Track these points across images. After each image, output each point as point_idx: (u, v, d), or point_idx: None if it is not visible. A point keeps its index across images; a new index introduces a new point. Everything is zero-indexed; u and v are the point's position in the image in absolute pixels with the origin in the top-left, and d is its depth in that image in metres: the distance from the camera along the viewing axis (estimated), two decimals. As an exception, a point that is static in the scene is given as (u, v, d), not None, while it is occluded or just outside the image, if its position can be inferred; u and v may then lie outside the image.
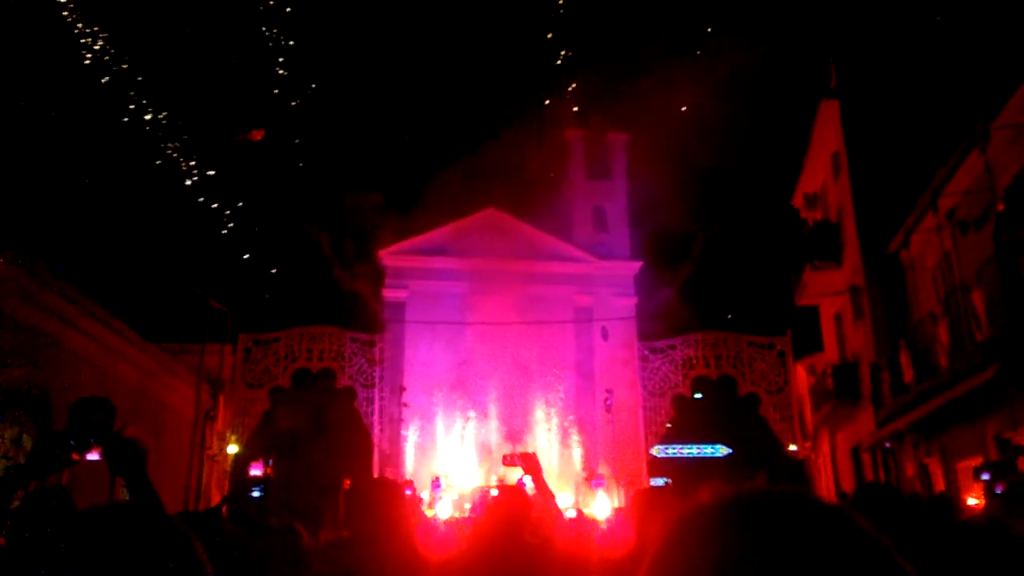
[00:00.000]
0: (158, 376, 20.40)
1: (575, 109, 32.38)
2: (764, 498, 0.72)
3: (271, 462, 17.63)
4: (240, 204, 22.84)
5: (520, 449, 26.34)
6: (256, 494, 10.19)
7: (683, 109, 24.93)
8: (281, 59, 17.41)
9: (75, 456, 2.49)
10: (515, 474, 15.67)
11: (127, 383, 17.95)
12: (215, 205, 20.46)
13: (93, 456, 2.50)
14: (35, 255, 13.36)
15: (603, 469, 26.57)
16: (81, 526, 1.03)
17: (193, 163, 18.79)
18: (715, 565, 0.67)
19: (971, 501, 11.34)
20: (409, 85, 49.56)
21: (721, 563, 0.67)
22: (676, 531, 0.74)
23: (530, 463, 4.14)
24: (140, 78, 16.67)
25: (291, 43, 18.01)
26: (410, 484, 19.33)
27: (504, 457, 4.45)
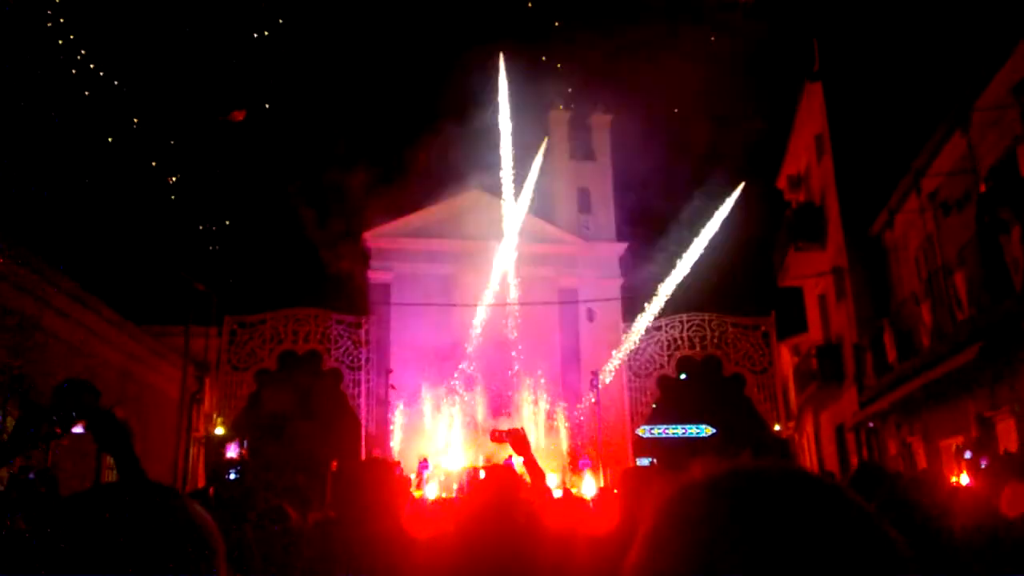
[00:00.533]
0: (143, 359, 20.31)
1: (559, 90, 32.22)
2: (759, 472, 0.74)
3: (246, 443, 17.62)
4: (224, 185, 22.67)
5: (508, 426, 26.46)
6: (232, 476, 10.18)
7: (668, 93, 24.85)
8: (265, 34, 17.22)
9: (58, 430, 2.50)
10: (503, 452, 15.75)
11: (112, 366, 17.87)
12: (198, 186, 20.24)
13: (78, 430, 2.50)
14: (15, 238, 13.23)
15: (589, 449, 26.73)
16: (71, 509, 1.02)
17: (173, 142, 18.56)
18: (710, 539, 0.69)
19: (954, 479, 11.51)
20: (392, 64, 49.19)
21: (716, 537, 0.69)
22: (670, 506, 0.75)
23: (518, 439, 4.15)
24: (117, 53, 16.43)
25: (278, 20, 17.77)
26: (397, 465, 19.37)
27: (492, 432, 4.46)
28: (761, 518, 0.68)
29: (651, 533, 0.74)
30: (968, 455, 9.38)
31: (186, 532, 0.97)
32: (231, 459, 16.14)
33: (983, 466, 7.66)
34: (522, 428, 4.37)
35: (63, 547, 0.95)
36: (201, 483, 20.78)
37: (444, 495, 21.01)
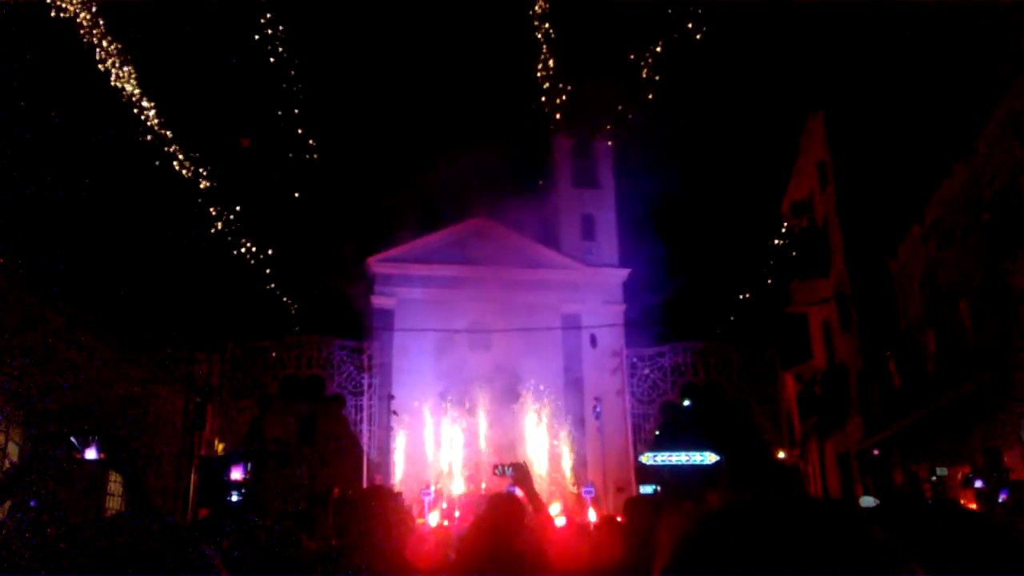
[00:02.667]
0: (146, 384, 20.27)
1: (560, 117, 32.44)
2: (779, 505, 0.73)
3: (250, 466, 17.56)
4: (229, 212, 22.74)
5: (510, 458, 26.33)
6: (235, 498, 10.17)
7: (678, 123, 25.02)
8: (271, 62, 17.45)
9: (75, 455, 2.53)
10: (505, 483, 15.64)
11: (115, 391, 17.83)
12: (205, 210, 20.35)
13: (92, 455, 2.53)
14: (19, 263, 13.28)
15: (592, 476, 26.55)
16: (78, 540, 1.02)
17: (184, 170, 18.69)
18: (733, 571, 0.68)
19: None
20: (398, 93, 49.60)
21: (739, 571, 0.68)
22: (690, 539, 0.74)
23: (520, 473, 4.13)
24: (132, 82, 16.61)
25: (281, 51, 17.97)
26: (400, 494, 19.24)
27: (494, 467, 4.41)
28: (784, 552, 0.68)
29: (670, 566, 0.74)
30: (979, 484, 9.28)
31: (191, 567, 0.97)
32: (235, 481, 16.14)
33: (1002, 499, 7.56)
34: (524, 462, 4.35)
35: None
36: (197, 506, 20.64)
37: (447, 523, 20.85)
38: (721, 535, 0.72)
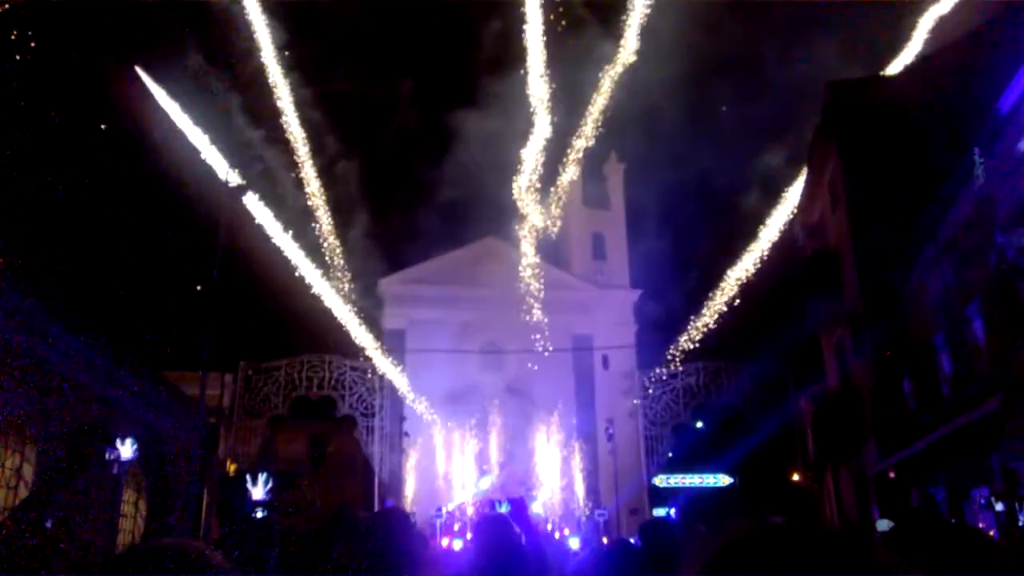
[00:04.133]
0: (158, 404, 20.31)
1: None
2: (799, 533, 0.74)
3: (272, 484, 17.67)
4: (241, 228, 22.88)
5: (521, 481, 26.20)
6: (259, 515, 10.28)
7: (683, 141, 25.09)
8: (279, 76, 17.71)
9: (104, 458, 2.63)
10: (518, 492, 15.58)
11: (128, 412, 17.88)
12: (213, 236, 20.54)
13: (127, 453, 2.62)
14: (32, 284, 13.39)
15: (605, 498, 26.38)
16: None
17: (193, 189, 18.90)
18: None
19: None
20: (407, 111, 49.96)
21: None
22: (715, 566, 0.75)
23: (517, 509, 4.12)
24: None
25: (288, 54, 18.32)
26: (411, 515, 19.20)
27: (491, 503, 4.42)
28: None
29: None
30: (1001, 507, 9.16)
31: None
32: (258, 500, 16.39)
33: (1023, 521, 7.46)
34: (522, 498, 4.35)
35: None
36: (214, 527, 20.61)
37: (459, 543, 20.74)
38: (742, 565, 0.73)
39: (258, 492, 16.94)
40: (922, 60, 21.69)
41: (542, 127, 24.59)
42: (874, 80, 21.89)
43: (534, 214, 26.98)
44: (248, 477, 17.99)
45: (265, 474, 18.81)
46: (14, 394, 12.34)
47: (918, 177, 17.22)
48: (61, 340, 14.33)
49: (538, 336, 28.53)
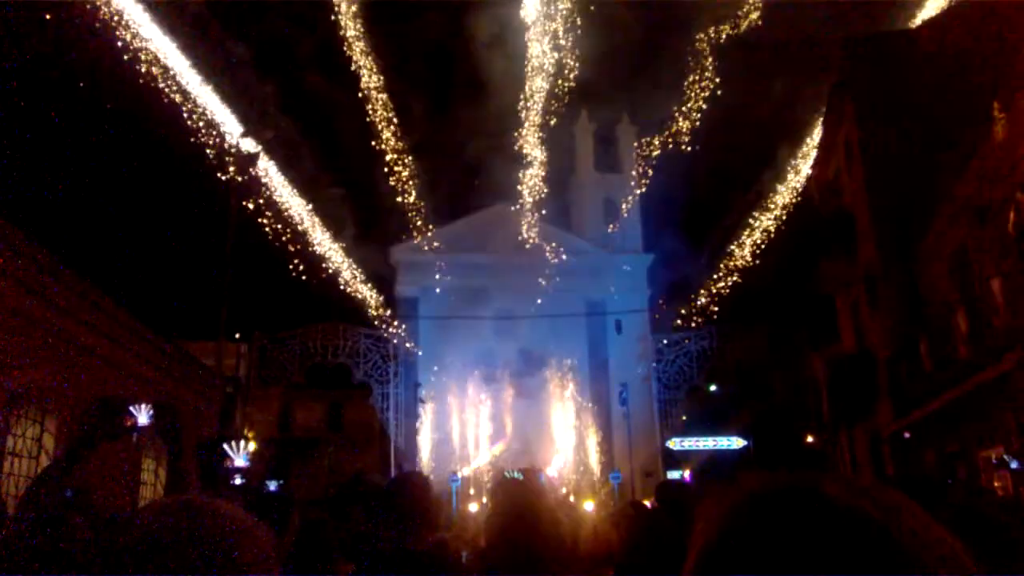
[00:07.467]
0: (175, 374, 20.52)
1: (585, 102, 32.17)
2: (813, 487, 0.71)
3: (273, 464, 17.75)
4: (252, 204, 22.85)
5: (536, 445, 26.37)
6: (273, 487, 10.39)
7: (697, 105, 24.75)
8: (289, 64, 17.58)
9: (128, 421, 2.65)
10: (536, 456, 15.70)
11: (145, 380, 18.08)
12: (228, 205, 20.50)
13: (143, 421, 2.63)
14: (53, 255, 13.45)
15: (619, 462, 26.55)
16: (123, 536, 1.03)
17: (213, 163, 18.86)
18: (770, 557, 0.66)
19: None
20: (418, 80, 49.58)
21: (776, 555, 0.66)
22: (727, 521, 0.72)
23: (529, 478, 4.11)
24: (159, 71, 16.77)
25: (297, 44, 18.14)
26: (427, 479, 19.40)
27: (502, 473, 4.44)
28: (822, 536, 0.66)
29: (706, 549, 0.72)
30: (1015, 465, 9.14)
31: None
32: (238, 468, 16.58)
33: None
34: (534, 468, 4.34)
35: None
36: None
37: (474, 509, 20.98)
38: (764, 518, 0.70)
39: (239, 460, 17.19)
40: (939, 15, 21.22)
41: (543, 65, 24.05)
42: (890, 35, 21.47)
43: (536, 150, 26.31)
44: (232, 444, 18.01)
45: (244, 440, 18.90)
46: (34, 365, 12.48)
47: (934, 134, 16.96)
48: (79, 310, 14.44)
49: (547, 300, 28.52)
